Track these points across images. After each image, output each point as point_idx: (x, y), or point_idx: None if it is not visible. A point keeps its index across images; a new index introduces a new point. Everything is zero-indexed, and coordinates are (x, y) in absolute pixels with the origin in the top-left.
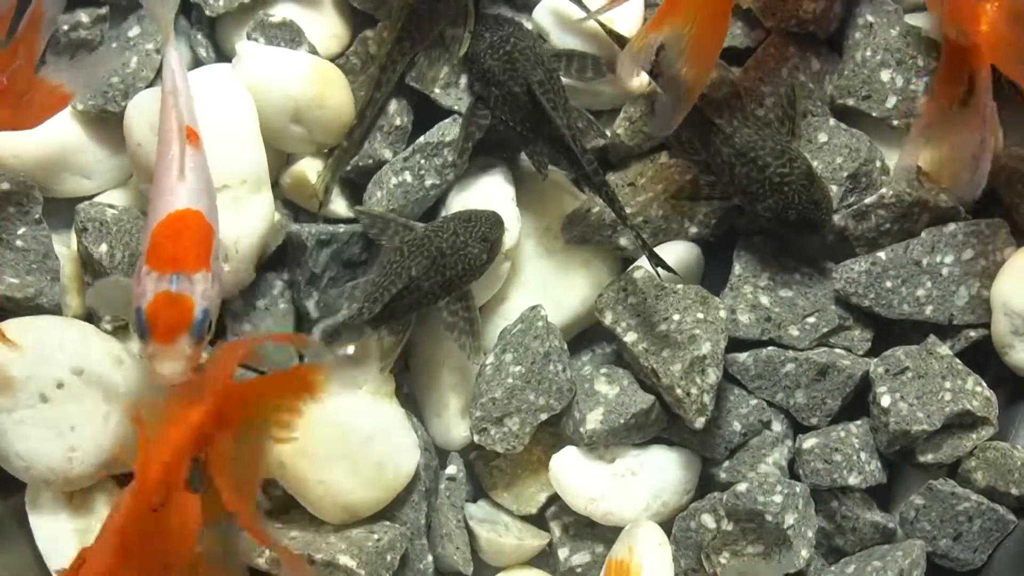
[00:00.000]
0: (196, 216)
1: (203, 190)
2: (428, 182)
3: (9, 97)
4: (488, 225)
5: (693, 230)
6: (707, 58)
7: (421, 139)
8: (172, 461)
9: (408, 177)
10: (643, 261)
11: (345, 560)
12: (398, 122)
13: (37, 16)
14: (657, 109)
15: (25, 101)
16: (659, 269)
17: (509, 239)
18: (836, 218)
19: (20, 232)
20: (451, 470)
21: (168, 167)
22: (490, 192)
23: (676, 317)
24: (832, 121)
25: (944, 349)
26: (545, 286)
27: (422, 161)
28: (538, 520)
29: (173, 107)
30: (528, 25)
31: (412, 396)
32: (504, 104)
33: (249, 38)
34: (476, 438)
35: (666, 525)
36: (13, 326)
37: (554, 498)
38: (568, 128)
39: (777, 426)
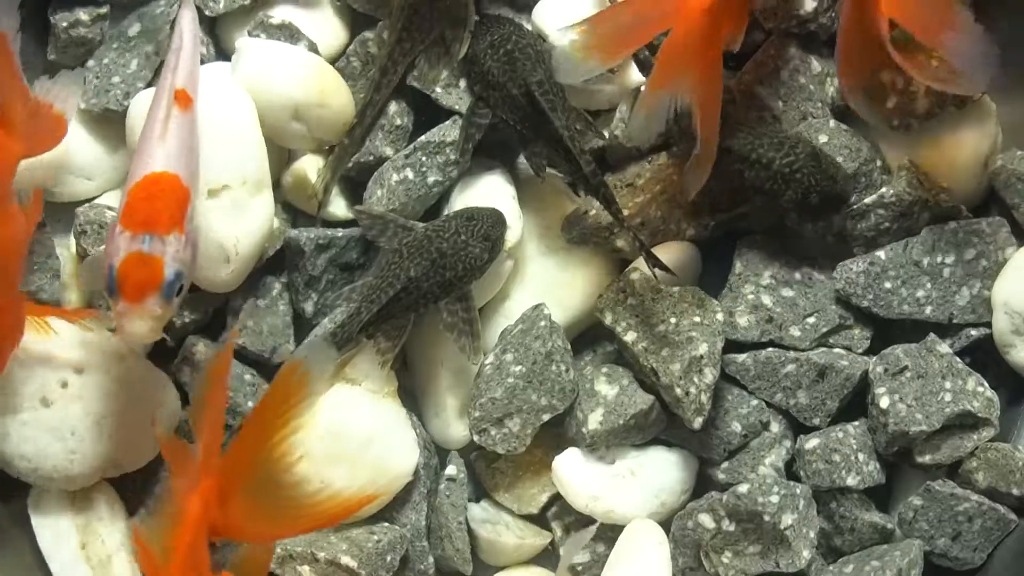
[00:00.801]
0: (172, 179)
1: (183, 153)
2: (431, 179)
3: (14, 125)
4: (490, 223)
5: (691, 231)
6: (712, 107)
7: (423, 137)
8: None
9: (410, 174)
10: (640, 262)
11: (347, 560)
12: (399, 122)
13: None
14: (686, 170)
15: (32, 127)
16: (656, 270)
17: (512, 237)
18: (835, 218)
19: None
20: (451, 470)
21: (152, 128)
22: (492, 191)
23: (673, 320)
24: (832, 122)
25: (944, 347)
26: (547, 286)
27: (424, 158)
28: (539, 520)
29: (172, 68)
30: (528, 26)
31: (412, 395)
32: (503, 104)
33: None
34: (476, 438)
35: (664, 524)
36: None
37: (555, 498)
38: (567, 129)
39: (775, 427)
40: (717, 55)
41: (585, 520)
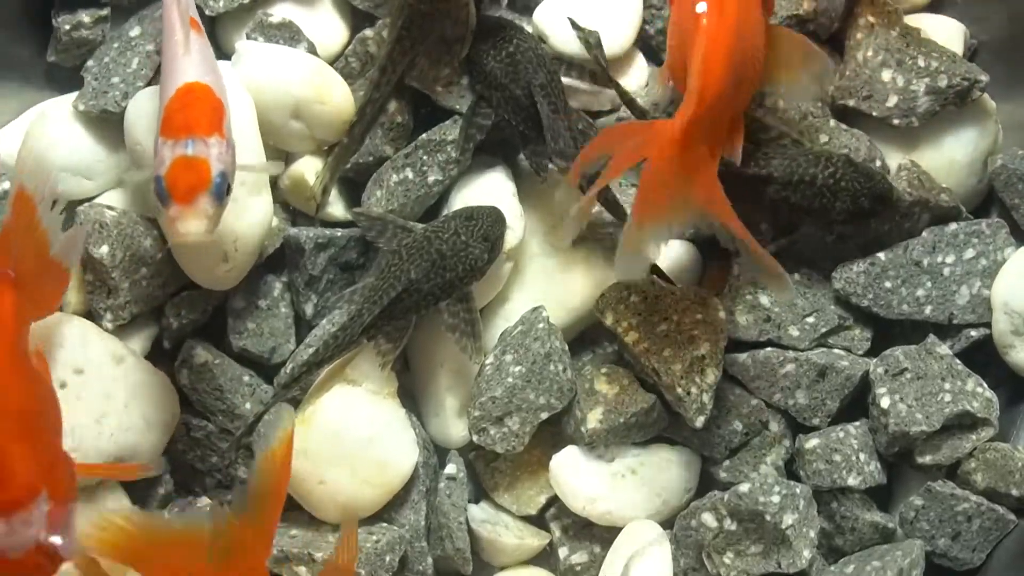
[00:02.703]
0: (204, 88)
1: (209, 68)
2: (431, 178)
3: (25, 286)
4: (490, 223)
5: (691, 230)
6: (732, 218)
7: (423, 136)
8: None
9: (410, 174)
10: None
11: None
12: (399, 120)
13: (22, 197)
14: (739, 266)
15: (42, 286)
16: (655, 276)
17: (512, 238)
18: (886, 214)
19: None
20: (451, 469)
21: (173, 49)
22: (493, 189)
23: (675, 318)
24: (832, 122)
25: (944, 349)
26: (547, 286)
27: (424, 157)
28: (538, 521)
29: (175, 2)
30: (528, 28)
31: (412, 395)
32: (506, 105)
33: (248, 38)
34: (475, 438)
35: (665, 524)
36: None
37: (554, 499)
38: (569, 130)
39: (775, 426)
40: (710, 176)
41: (584, 523)
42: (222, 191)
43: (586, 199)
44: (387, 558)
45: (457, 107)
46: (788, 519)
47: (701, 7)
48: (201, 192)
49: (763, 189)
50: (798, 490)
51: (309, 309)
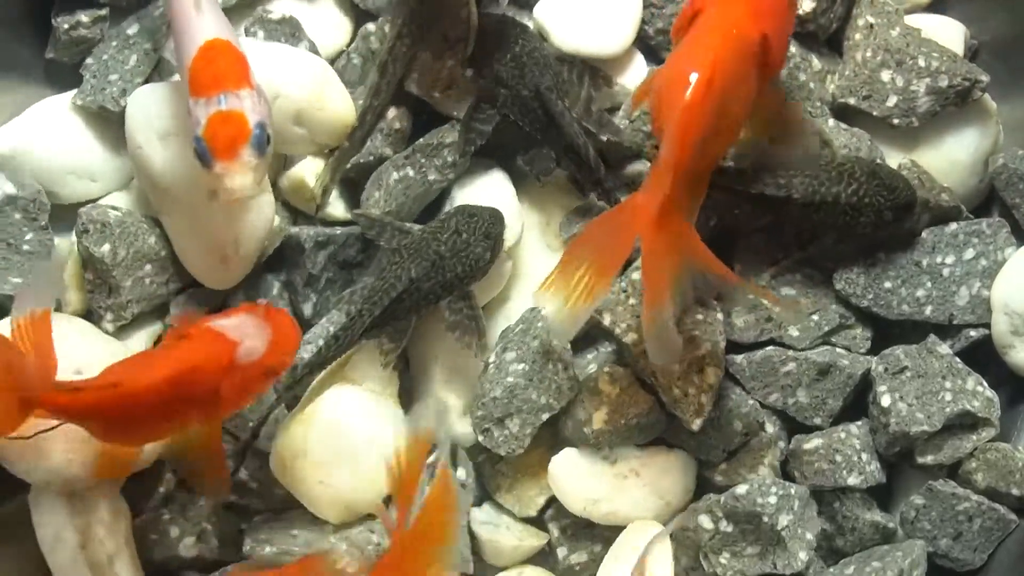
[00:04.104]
0: (225, 43)
1: (225, 24)
2: (431, 176)
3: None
4: (490, 222)
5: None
6: (713, 259)
7: (421, 140)
8: None
9: (410, 172)
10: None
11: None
12: (398, 125)
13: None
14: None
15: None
16: None
17: (511, 237)
18: (910, 220)
19: (27, 237)
20: (460, 474)
21: (186, 11)
22: (492, 190)
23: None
24: (832, 121)
25: (944, 348)
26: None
27: (423, 160)
28: (538, 522)
29: None
30: (529, 24)
31: (412, 395)
32: (512, 106)
33: (248, 33)
34: (480, 438)
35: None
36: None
37: (553, 499)
38: (579, 136)
39: (770, 427)
40: (691, 234)
41: (583, 523)
42: (263, 141)
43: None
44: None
45: (455, 113)
46: (783, 520)
47: (693, 76)
48: (242, 144)
49: (785, 209)
50: (794, 491)
51: (308, 309)
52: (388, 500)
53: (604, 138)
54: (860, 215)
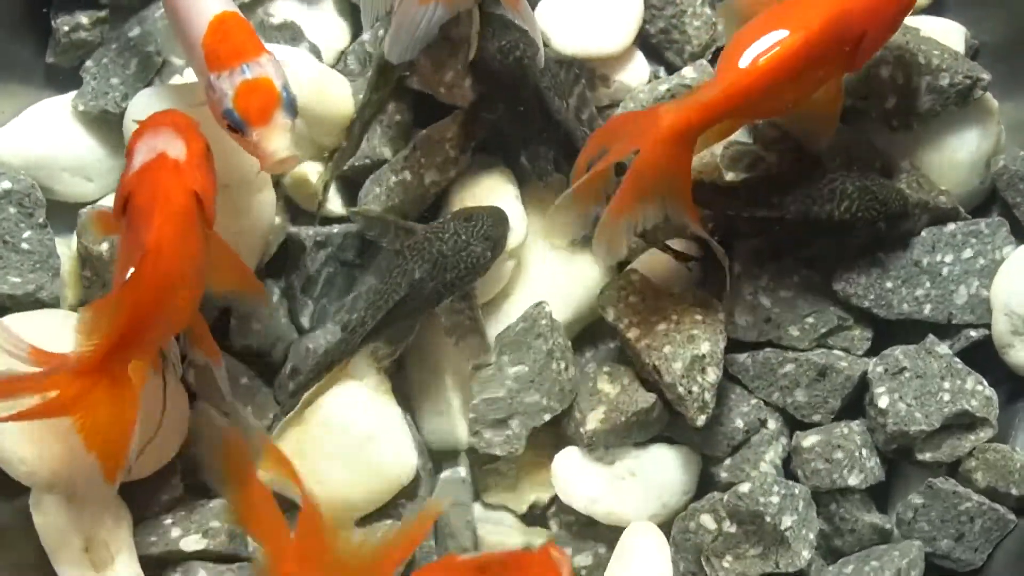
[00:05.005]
0: (234, 14)
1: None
2: (428, 179)
3: None
4: (491, 223)
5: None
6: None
7: (423, 133)
8: None
9: (408, 176)
10: (640, 262)
11: None
12: (399, 118)
13: None
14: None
15: None
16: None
17: (515, 237)
18: (905, 224)
19: (26, 236)
20: (461, 471)
21: None
22: (494, 190)
23: (675, 317)
24: None
25: (943, 348)
26: (549, 283)
27: (423, 159)
28: (540, 521)
29: None
30: None
31: (406, 397)
32: (512, 106)
33: None
34: (472, 441)
35: (665, 526)
36: (15, 322)
37: (555, 497)
38: (577, 136)
39: (772, 424)
40: (684, 175)
41: (585, 521)
42: (292, 102)
43: (572, 189)
44: None
45: (461, 104)
46: (787, 520)
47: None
48: (275, 108)
49: (778, 227)
50: (797, 491)
51: (306, 321)
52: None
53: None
54: (854, 229)
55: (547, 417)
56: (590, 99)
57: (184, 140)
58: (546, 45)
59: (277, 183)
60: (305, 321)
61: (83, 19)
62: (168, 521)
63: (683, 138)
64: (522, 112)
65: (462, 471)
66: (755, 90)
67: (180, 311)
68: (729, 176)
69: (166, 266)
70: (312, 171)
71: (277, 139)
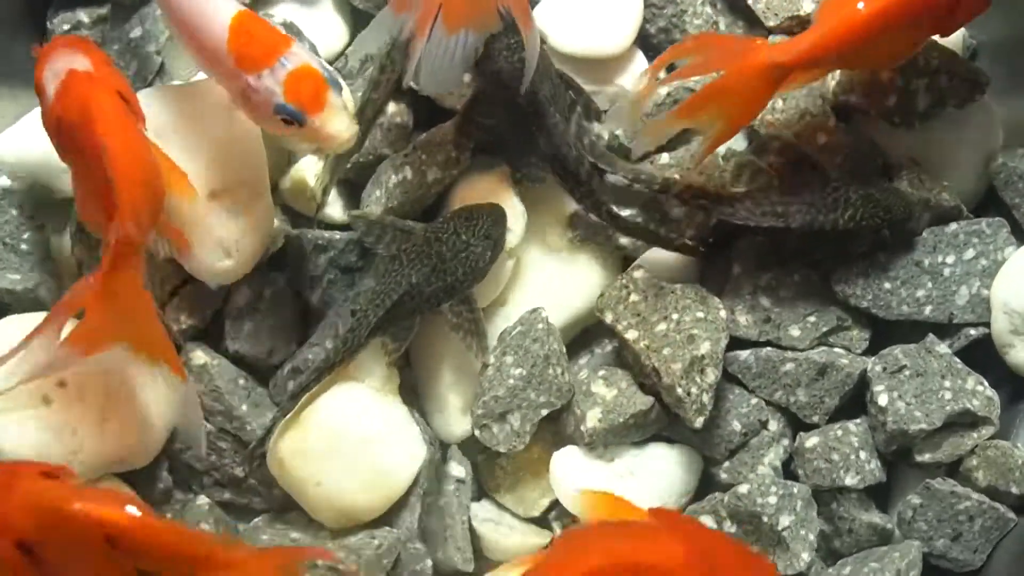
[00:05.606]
0: (249, 12)
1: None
2: (430, 177)
3: None
4: (491, 222)
5: (691, 230)
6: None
7: (423, 136)
8: None
9: (409, 174)
10: (643, 260)
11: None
12: (399, 120)
13: None
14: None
15: None
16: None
17: (514, 237)
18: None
19: (25, 236)
20: (458, 472)
21: (189, 5)
22: (493, 189)
23: (675, 316)
24: (832, 121)
25: (943, 348)
26: (547, 285)
27: (424, 157)
28: (541, 521)
29: None
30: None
31: (415, 392)
32: (509, 108)
33: None
34: (478, 434)
35: None
36: (14, 323)
37: (557, 500)
38: (568, 146)
39: (774, 425)
40: (751, 116)
41: None
42: (336, 80)
43: (647, 84)
44: (384, 560)
45: (458, 108)
46: (784, 520)
47: None
48: (325, 91)
49: (784, 238)
50: (796, 490)
51: (309, 310)
52: None
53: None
54: (857, 237)
55: (545, 411)
56: (587, 128)
57: (83, 53)
58: (544, 42)
59: (276, 186)
60: (314, 298)
61: (84, 18)
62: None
63: (772, 75)
64: (517, 116)
65: (461, 471)
66: (853, 39)
67: (158, 190)
68: (734, 188)
69: (125, 151)
70: (310, 172)
71: (338, 120)
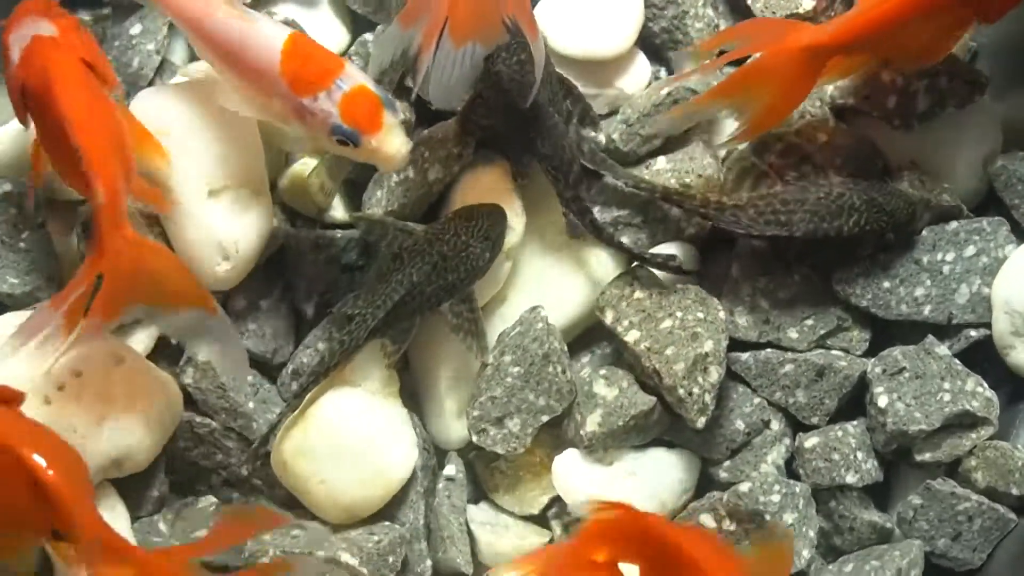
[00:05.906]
0: (300, 34)
1: (269, 19)
2: (432, 176)
3: None
4: (491, 222)
5: (690, 231)
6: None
7: (425, 132)
8: None
9: (411, 172)
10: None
11: (347, 557)
12: (401, 117)
13: None
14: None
15: None
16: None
17: (513, 236)
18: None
19: (24, 236)
20: (450, 470)
21: (228, 26)
22: (494, 187)
23: (679, 315)
24: (832, 121)
25: (942, 349)
26: (546, 285)
27: (426, 154)
28: (540, 521)
29: None
30: None
31: (414, 394)
32: (508, 109)
33: None
34: (475, 438)
35: None
36: (13, 321)
37: (556, 499)
38: (564, 149)
39: (776, 425)
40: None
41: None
42: (391, 100)
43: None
44: (390, 559)
45: (457, 107)
46: (788, 518)
47: None
48: (381, 112)
49: (788, 245)
50: (798, 489)
51: (310, 310)
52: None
53: (601, 137)
54: (861, 241)
55: (545, 418)
56: (586, 135)
57: (49, 19)
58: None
59: (274, 186)
60: (309, 310)
61: (85, 17)
62: (162, 525)
63: (813, 57)
64: (516, 117)
65: (452, 470)
66: (895, 19)
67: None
68: (736, 195)
69: (88, 119)
70: (309, 169)
71: (395, 140)
